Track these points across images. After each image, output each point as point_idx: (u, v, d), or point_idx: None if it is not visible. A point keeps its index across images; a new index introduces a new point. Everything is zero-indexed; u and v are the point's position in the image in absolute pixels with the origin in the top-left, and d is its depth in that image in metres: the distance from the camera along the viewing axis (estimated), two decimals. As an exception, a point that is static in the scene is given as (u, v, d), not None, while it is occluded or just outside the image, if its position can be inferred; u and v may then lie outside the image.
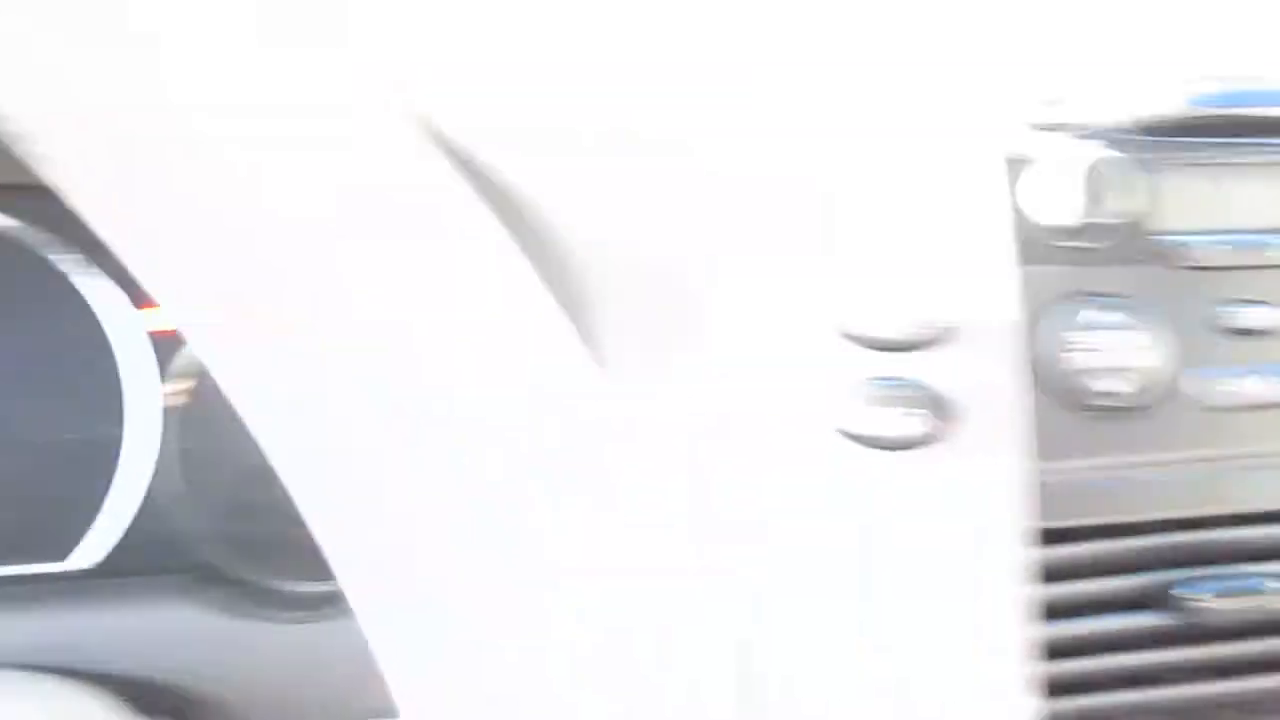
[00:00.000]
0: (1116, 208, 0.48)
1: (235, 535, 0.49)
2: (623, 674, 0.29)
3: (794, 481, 0.34)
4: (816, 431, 0.35)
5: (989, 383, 0.40)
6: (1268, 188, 0.52)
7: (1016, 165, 0.50)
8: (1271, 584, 0.50)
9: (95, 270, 0.47)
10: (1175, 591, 0.49)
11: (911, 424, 0.36)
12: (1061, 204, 0.47)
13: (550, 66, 0.36)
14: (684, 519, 0.30)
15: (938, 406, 0.37)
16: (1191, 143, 0.51)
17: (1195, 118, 0.52)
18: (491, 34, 0.37)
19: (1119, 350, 0.48)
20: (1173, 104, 0.52)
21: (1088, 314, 0.48)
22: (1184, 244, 0.50)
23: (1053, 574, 0.48)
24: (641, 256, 0.34)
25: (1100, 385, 0.47)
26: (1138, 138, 0.51)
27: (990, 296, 0.42)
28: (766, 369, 0.35)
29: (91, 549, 0.48)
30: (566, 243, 0.33)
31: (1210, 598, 0.49)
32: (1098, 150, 0.49)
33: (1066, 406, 0.47)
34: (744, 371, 0.34)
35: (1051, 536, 0.48)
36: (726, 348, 0.34)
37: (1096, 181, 0.47)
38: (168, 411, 0.47)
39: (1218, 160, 0.51)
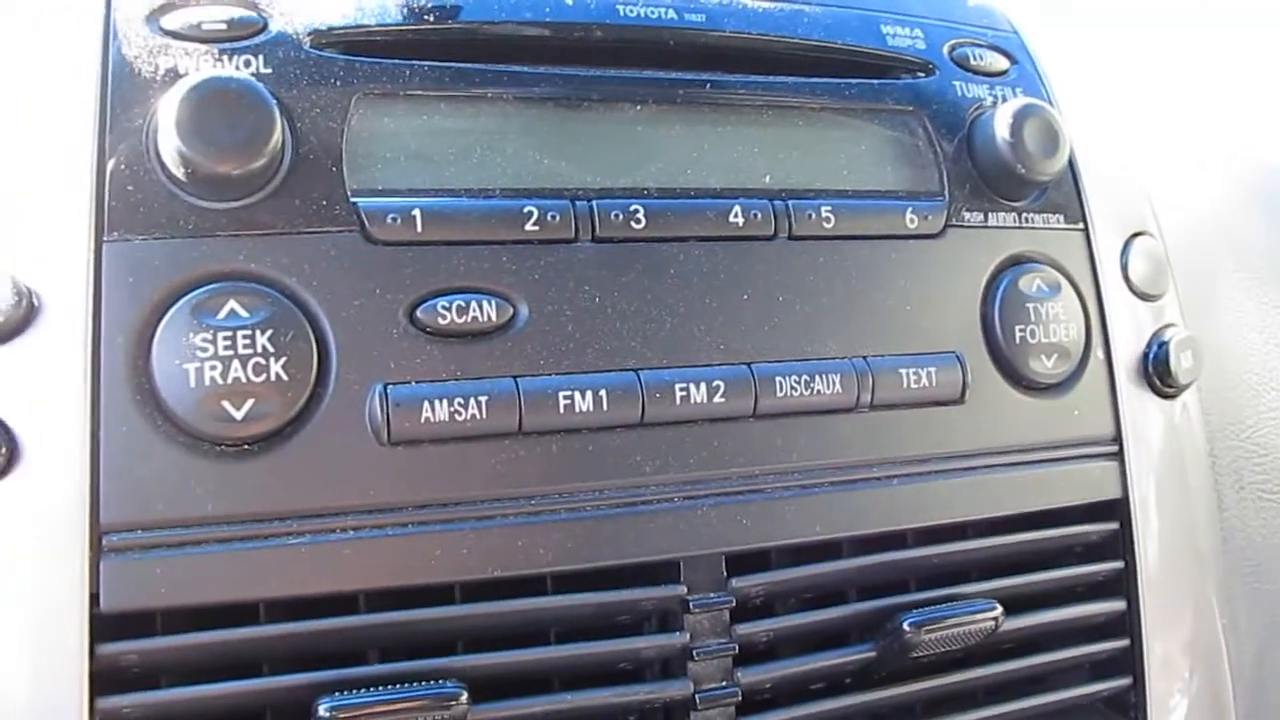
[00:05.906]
0: (250, 151, 0.36)
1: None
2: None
3: None
4: None
5: (53, 400, 0.35)
6: (487, 127, 0.42)
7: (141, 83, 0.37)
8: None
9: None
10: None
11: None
12: (179, 148, 0.36)
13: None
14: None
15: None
16: (400, 66, 0.41)
17: (409, 32, 0.42)
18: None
19: (255, 362, 0.36)
20: (381, 13, 0.41)
21: (233, 305, 0.36)
22: (385, 209, 0.39)
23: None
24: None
25: (224, 411, 0.36)
26: (326, 55, 0.40)
27: (60, 278, 0.35)
28: None
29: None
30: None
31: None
32: (223, 70, 0.38)
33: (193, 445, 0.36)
34: None
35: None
36: None
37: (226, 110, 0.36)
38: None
39: (429, 90, 0.41)
